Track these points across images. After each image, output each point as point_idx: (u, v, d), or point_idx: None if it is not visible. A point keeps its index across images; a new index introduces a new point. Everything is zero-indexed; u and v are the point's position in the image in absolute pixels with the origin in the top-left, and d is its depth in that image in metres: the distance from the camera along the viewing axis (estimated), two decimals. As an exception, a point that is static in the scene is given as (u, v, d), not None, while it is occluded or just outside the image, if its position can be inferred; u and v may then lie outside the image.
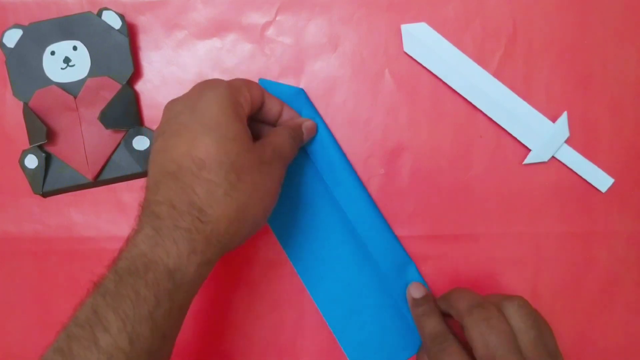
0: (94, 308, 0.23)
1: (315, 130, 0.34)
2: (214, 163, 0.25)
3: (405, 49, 0.35)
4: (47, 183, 0.35)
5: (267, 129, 0.33)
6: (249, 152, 0.27)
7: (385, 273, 0.35)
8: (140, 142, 0.35)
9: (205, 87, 0.29)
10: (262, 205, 0.28)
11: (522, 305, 0.28)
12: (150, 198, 0.26)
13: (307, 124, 0.34)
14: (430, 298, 0.33)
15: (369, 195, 0.35)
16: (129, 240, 0.25)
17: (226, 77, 0.36)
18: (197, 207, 0.25)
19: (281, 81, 0.36)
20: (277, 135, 0.31)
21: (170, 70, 0.36)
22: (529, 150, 0.35)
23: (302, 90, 0.36)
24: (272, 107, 0.32)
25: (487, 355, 0.27)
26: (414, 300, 0.33)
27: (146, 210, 0.26)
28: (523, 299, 0.29)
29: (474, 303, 0.28)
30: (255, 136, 0.30)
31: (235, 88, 0.29)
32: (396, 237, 0.35)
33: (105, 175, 0.36)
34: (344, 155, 0.35)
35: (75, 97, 0.35)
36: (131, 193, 0.36)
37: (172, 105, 0.29)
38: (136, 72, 0.36)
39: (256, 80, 0.36)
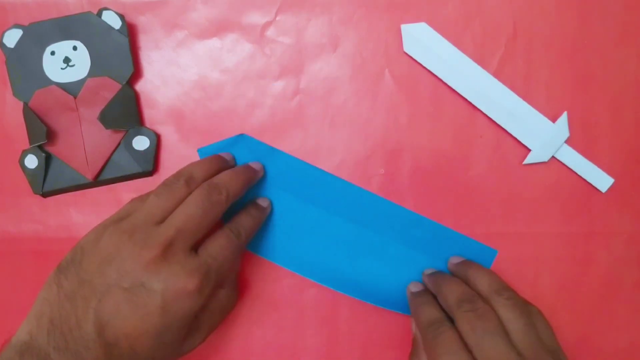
0: None
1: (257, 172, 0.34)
2: None
3: (405, 49, 0.35)
4: (47, 183, 0.35)
5: None
6: None
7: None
8: (140, 142, 0.35)
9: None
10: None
11: (509, 297, 0.29)
12: None
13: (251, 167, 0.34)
14: (428, 291, 0.34)
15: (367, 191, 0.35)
16: None
17: (226, 77, 0.36)
18: None
19: (281, 81, 0.36)
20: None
21: (170, 70, 0.36)
22: (529, 150, 0.35)
23: (243, 135, 0.35)
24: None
25: (476, 342, 0.27)
26: (412, 294, 0.34)
27: None
28: (511, 291, 0.30)
29: (463, 297, 0.30)
30: None
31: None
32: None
33: (105, 175, 0.36)
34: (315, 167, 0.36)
35: (75, 97, 0.35)
36: (131, 193, 0.36)
37: None
38: (136, 72, 0.36)
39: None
